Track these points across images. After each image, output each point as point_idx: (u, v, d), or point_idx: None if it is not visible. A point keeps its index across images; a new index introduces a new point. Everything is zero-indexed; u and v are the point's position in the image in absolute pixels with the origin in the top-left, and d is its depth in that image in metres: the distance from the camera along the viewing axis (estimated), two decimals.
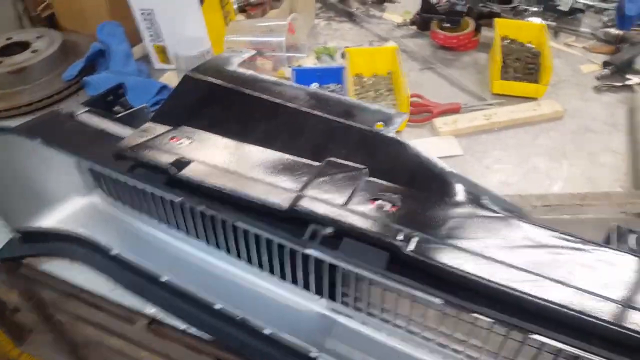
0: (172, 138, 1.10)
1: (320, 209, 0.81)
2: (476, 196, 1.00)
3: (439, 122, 1.93)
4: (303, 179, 0.89)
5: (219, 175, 0.94)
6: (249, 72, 1.25)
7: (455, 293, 0.72)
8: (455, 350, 0.88)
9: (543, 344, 0.68)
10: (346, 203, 0.83)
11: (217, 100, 1.17)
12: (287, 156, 0.98)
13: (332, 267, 0.84)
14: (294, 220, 0.85)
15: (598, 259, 0.77)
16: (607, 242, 1.06)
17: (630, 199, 1.55)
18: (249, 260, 0.98)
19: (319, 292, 0.94)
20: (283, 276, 0.96)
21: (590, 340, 0.66)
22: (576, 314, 0.65)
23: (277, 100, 1.08)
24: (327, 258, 0.78)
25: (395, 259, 0.77)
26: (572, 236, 0.81)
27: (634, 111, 2.06)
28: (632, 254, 0.83)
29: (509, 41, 2.25)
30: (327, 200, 0.84)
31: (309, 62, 2.29)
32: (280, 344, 0.94)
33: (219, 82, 1.16)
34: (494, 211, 0.93)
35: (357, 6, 2.74)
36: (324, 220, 0.80)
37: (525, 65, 2.11)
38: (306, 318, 1.01)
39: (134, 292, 1.12)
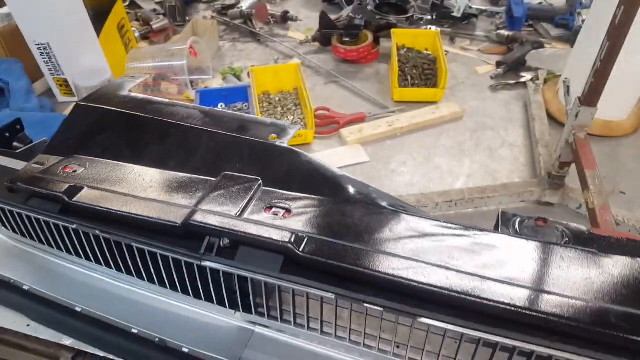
0: (65, 167, 1.06)
1: (215, 221, 0.82)
2: (366, 195, 1.04)
3: (345, 132, 2.00)
4: (198, 195, 0.89)
5: (113, 199, 0.92)
6: (141, 96, 1.23)
7: (348, 286, 0.75)
8: (369, 347, 0.90)
9: (430, 326, 0.72)
10: (241, 213, 0.84)
11: (109, 126, 1.14)
12: (182, 174, 0.97)
13: (242, 280, 0.84)
14: (193, 235, 0.85)
15: (477, 242, 0.83)
16: (496, 228, 1.14)
17: (527, 187, 1.68)
18: (155, 281, 0.96)
19: (233, 306, 0.93)
20: (195, 294, 0.95)
21: (473, 318, 0.70)
22: (457, 294, 0.70)
23: (170, 121, 1.08)
24: (223, 268, 0.78)
25: (290, 261, 0.78)
26: (453, 224, 0.86)
27: (528, 106, 2.24)
28: (514, 236, 0.90)
29: (406, 50, 2.37)
30: (221, 213, 0.84)
31: (216, 83, 2.30)
32: None
33: (110, 108, 1.14)
34: (382, 207, 0.98)
35: (261, 26, 2.79)
36: (219, 232, 0.81)
37: (422, 72, 2.23)
38: (223, 332, 1.00)
39: (50, 326, 1.06)
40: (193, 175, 1.01)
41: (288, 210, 0.91)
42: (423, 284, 0.73)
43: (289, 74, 2.16)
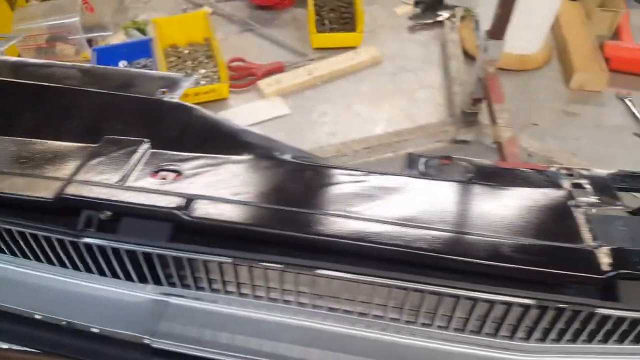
0: None
1: (91, 192, 0.74)
2: (267, 149, 0.99)
3: (263, 84, 1.91)
4: (74, 164, 0.81)
5: None
6: (13, 58, 1.09)
7: (248, 247, 0.70)
8: (286, 301, 0.88)
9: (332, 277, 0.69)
10: (122, 181, 0.77)
11: None
12: (58, 143, 0.87)
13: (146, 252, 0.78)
14: (71, 210, 0.76)
15: (378, 186, 0.80)
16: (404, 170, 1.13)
17: (442, 127, 1.68)
18: (55, 262, 0.88)
19: (142, 279, 0.87)
20: (100, 272, 0.88)
21: (375, 264, 0.68)
22: (353, 242, 0.67)
23: (44, 84, 0.96)
24: (105, 243, 0.71)
25: (181, 227, 0.73)
26: (356, 171, 0.83)
27: (445, 45, 2.22)
28: (415, 177, 0.88)
29: None
30: (100, 182, 0.76)
31: (118, 40, 2.11)
32: (112, 339, 0.88)
33: None
34: (282, 161, 0.93)
35: None
36: (97, 204, 0.73)
37: (340, 16, 2.15)
38: (135, 308, 0.95)
39: None
40: (71, 143, 0.91)
41: (178, 173, 0.84)
42: (320, 235, 0.69)
43: (198, 24, 2.02)
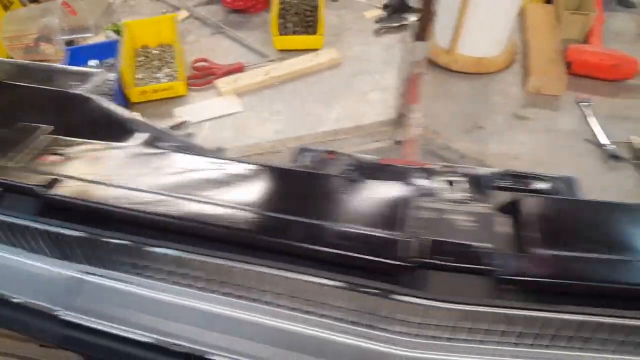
0: None
1: None
2: (154, 138, 1.07)
3: (221, 82, 1.99)
4: None
5: None
6: None
7: (101, 225, 0.79)
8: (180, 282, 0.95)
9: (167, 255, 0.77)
10: (11, 160, 0.87)
11: None
12: None
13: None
14: None
15: (237, 174, 0.87)
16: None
17: (378, 127, 1.71)
18: None
19: (65, 257, 0.97)
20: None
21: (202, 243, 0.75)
22: (185, 221, 0.74)
23: None
24: None
25: (48, 204, 0.82)
26: (226, 160, 0.91)
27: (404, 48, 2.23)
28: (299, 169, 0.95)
29: None
30: None
31: (99, 40, 2.25)
32: (28, 309, 0.98)
33: None
34: (159, 148, 1.00)
35: None
36: None
37: (304, 19, 2.21)
38: (52, 282, 1.05)
39: None
40: None
41: (61, 155, 0.93)
42: (153, 214, 0.77)
43: (168, 27, 2.13)
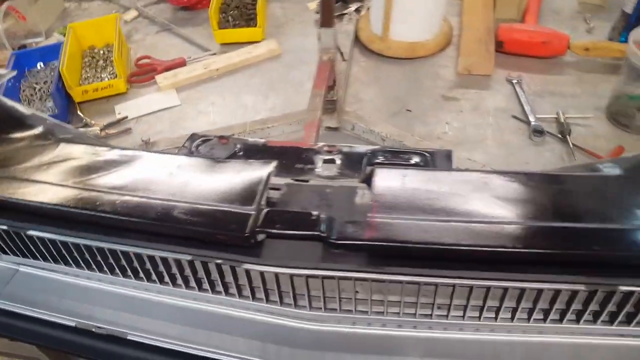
0: None
1: None
2: (50, 131, 1.13)
3: (160, 78, 2.05)
4: None
5: None
6: None
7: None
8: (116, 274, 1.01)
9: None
10: None
11: None
12: None
13: None
14: None
15: (109, 159, 0.94)
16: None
17: (305, 115, 1.75)
18: None
19: None
20: None
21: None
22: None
23: None
24: None
25: None
26: (107, 146, 0.98)
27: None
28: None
29: None
30: None
31: (50, 43, 2.32)
32: None
33: None
34: (49, 139, 1.08)
35: None
36: None
37: (245, 12, 2.26)
38: None
39: None
40: None
41: None
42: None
43: (112, 27, 2.19)
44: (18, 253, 1.00)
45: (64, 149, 1.02)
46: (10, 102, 1.16)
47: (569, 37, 2.01)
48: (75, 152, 1.01)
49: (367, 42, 2.10)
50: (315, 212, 0.82)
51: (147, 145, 1.65)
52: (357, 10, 2.32)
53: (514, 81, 1.96)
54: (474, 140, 1.76)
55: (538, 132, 1.76)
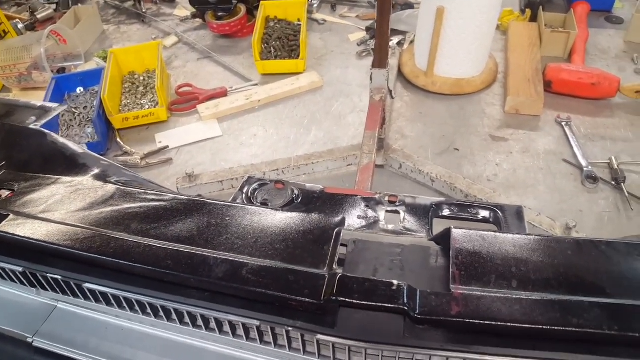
0: None
1: None
2: (102, 171, 1.10)
3: (202, 107, 2.03)
4: None
5: None
6: None
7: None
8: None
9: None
10: None
11: None
12: None
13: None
14: None
15: (167, 208, 0.91)
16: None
17: (351, 151, 1.72)
18: None
19: (33, 285, 1.01)
20: None
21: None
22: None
23: None
24: None
25: None
26: (172, 195, 0.95)
27: None
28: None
29: (276, 21, 2.37)
30: None
31: (90, 67, 2.32)
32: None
33: None
34: (107, 182, 1.04)
35: (149, 7, 2.79)
36: None
37: (286, 43, 2.24)
38: (24, 309, 1.10)
39: None
40: None
41: (12, 191, 0.97)
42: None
43: (153, 53, 2.18)
44: (58, 290, 0.96)
45: (119, 194, 0.98)
46: (62, 140, 1.13)
47: (620, 79, 1.95)
48: (132, 198, 0.97)
49: (411, 77, 2.06)
50: (395, 282, 0.77)
51: (191, 179, 1.62)
52: (400, 44, 2.29)
53: (564, 123, 1.90)
54: (524, 184, 1.70)
55: (592, 178, 1.70)
